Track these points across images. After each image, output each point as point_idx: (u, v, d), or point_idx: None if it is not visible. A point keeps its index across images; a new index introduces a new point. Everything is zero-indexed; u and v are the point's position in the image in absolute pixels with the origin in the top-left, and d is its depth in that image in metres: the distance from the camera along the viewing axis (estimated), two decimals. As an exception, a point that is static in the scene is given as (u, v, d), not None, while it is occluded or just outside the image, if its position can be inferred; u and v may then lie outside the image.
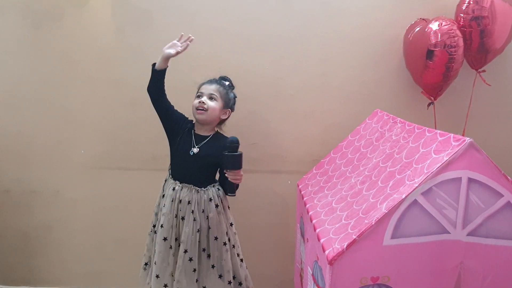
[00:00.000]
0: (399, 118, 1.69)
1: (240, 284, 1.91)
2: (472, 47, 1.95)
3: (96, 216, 2.33)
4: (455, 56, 1.87)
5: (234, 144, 1.70)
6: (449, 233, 1.30)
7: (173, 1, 2.13)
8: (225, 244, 1.85)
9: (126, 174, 2.28)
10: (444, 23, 1.88)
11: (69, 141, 2.26)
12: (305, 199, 1.78)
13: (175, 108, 1.90)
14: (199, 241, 1.81)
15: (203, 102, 1.83)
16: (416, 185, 1.25)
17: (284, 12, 2.14)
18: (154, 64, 1.81)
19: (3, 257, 2.38)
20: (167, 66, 1.81)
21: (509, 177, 1.29)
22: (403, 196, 1.25)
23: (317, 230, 1.45)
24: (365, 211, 1.34)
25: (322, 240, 1.37)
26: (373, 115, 1.91)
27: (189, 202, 1.80)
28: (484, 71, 2.05)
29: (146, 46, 2.16)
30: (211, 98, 1.85)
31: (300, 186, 1.94)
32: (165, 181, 1.90)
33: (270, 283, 2.24)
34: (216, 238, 1.83)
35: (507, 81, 2.17)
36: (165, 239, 1.81)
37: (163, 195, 1.87)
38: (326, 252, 1.30)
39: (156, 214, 1.91)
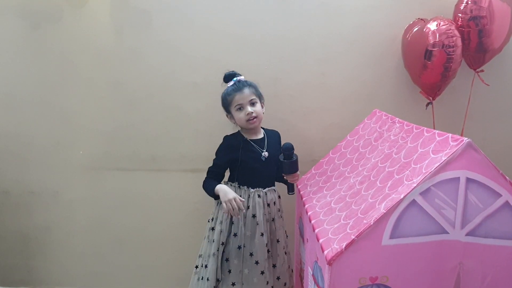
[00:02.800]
0: (397, 118, 1.69)
1: (285, 284, 1.96)
2: (470, 47, 1.95)
3: (95, 217, 2.33)
4: (453, 56, 1.87)
5: (290, 150, 1.76)
6: (447, 233, 1.30)
7: (172, 2, 2.13)
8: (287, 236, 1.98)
9: (125, 175, 2.28)
10: (442, 23, 1.88)
11: (68, 142, 2.25)
12: (304, 199, 1.78)
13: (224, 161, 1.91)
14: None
15: (252, 112, 1.82)
16: (415, 185, 1.25)
17: (283, 12, 2.14)
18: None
19: (2, 258, 2.38)
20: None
21: (507, 177, 1.29)
22: (402, 196, 1.25)
23: (316, 230, 1.45)
24: (364, 211, 1.34)
25: (321, 240, 1.38)
26: (371, 115, 1.91)
27: (274, 203, 1.90)
28: (482, 71, 2.06)
29: (145, 47, 2.16)
30: (252, 104, 1.84)
31: (299, 186, 1.95)
32: (218, 203, 1.89)
33: (269, 283, 2.24)
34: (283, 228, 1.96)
35: (506, 81, 2.17)
36: (266, 245, 1.83)
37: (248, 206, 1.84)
38: (325, 252, 1.30)
39: (222, 231, 1.84)
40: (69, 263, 2.38)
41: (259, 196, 1.84)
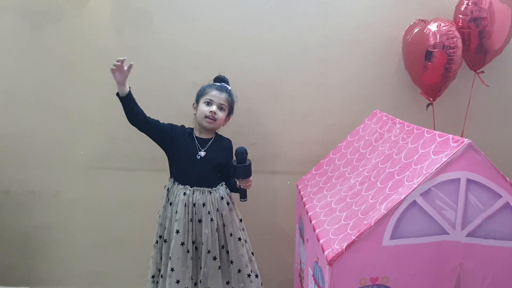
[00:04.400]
0: (398, 119, 1.69)
1: (257, 276, 1.97)
2: (471, 48, 1.95)
3: (95, 216, 2.33)
4: (453, 57, 1.88)
5: (243, 155, 1.74)
6: (448, 234, 1.30)
7: (173, 2, 2.13)
8: (239, 239, 1.91)
9: (125, 175, 2.28)
10: (442, 24, 1.88)
11: (69, 142, 2.26)
12: (304, 199, 1.78)
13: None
14: (218, 240, 1.86)
15: (214, 113, 1.85)
16: (415, 186, 1.25)
17: (283, 13, 2.14)
18: (117, 94, 1.81)
19: (2, 258, 2.38)
20: (128, 89, 1.80)
21: (507, 178, 1.29)
22: (402, 197, 1.25)
23: (317, 231, 1.46)
24: (364, 211, 1.34)
25: (321, 241, 1.38)
26: (372, 115, 1.91)
27: (203, 204, 1.84)
28: (482, 72, 2.06)
29: (145, 46, 2.16)
30: (220, 108, 1.87)
31: (299, 187, 1.95)
32: (168, 189, 1.91)
33: (269, 283, 2.24)
34: (231, 234, 1.89)
35: (506, 82, 2.18)
36: (182, 244, 1.82)
37: (170, 203, 1.87)
38: (326, 252, 1.30)
39: (161, 224, 1.92)
40: (69, 263, 2.38)
41: (184, 194, 1.83)
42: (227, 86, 1.93)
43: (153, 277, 1.95)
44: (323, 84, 2.19)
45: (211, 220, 1.84)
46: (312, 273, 1.54)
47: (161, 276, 1.88)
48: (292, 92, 2.20)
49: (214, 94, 1.87)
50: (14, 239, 2.36)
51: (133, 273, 2.38)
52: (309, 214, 1.62)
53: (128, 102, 1.82)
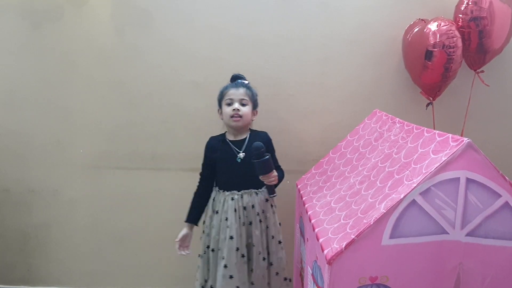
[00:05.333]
0: (398, 118, 1.69)
1: (290, 280, 1.97)
2: (471, 48, 1.95)
3: (95, 216, 2.33)
4: (453, 56, 1.88)
5: (259, 149, 1.70)
6: (447, 233, 1.30)
7: (173, 1, 2.13)
8: (280, 242, 1.91)
9: (125, 174, 2.28)
10: (443, 23, 1.88)
11: (68, 141, 2.26)
12: (304, 198, 1.78)
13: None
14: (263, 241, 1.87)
15: (238, 109, 1.82)
16: (415, 185, 1.25)
17: (283, 12, 2.14)
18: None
19: (2, 257, 2.38)
20: (192, 227, 1.93)
21: (507, 178, 1.29)
22: (402, 196, 1.25)
23: (316, 230, 1.46)
24: (364, 211, 1.34)
25: (321, 240, 1.38)
26: (372, 115, 1.91)
27: (253, 206, 1.84)
28: (482, 71, 2.06)
29: (145, 46, 2.16)
30: (242, 104, 1.85)
31: (299, 186, 1.95)
32: (213, 199, 1.90)
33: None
34: (273, 237, 1.89)
35: (506, 82, 2.18)
36: (237, 249, 1.81)
37: (217, 211, 1.86)
38: (325, 251, 1.30)
39: (208, 235, 1.89)
40: (68, 262, 2.38)
41: (232, 199, 1.83)
42: (244, 81, 1.91)
43: (202, 287, 1.92)
44: (323, 84, 2.19)
45: (260, 221, 1.84)
46: (311, 272, 1.54)
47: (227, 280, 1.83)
48: (292, 91, 2.20)
49: (232, 93, 1.85)
50: (13, 238, 2.36)
51: (133, 272, 2.38)
52: (309, 213, 1.62)
53: (199, 216, 1.94)
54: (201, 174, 1.94)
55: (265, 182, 1.77)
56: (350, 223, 1.34)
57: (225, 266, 1.79)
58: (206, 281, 1.90)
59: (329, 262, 1.26)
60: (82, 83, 2.21)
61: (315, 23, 2.15)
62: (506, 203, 1.30)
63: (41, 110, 2.23)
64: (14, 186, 2.31)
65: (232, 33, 2.15)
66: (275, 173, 1.78)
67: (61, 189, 2.31)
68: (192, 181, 1.95)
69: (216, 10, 2.14)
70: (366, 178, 1.53)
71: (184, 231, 1.90)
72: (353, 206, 1.43)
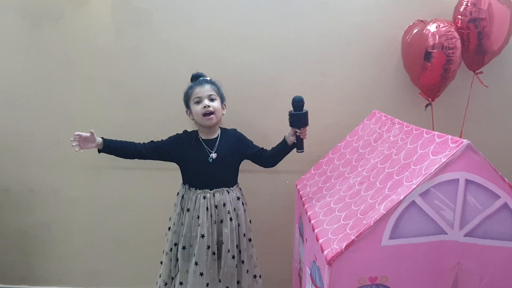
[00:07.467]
0: (397, 119, 1.70)
1: (260, 277, 2.00)
2: (470, 49, 1.96)
3: (95, 215, 2.33)
4: (452, 57, 1.88)
5: (299, 102, 1.73)
6: (446, 234, 1.31)
7: (173, 1, 2.13)
8: (250, 240, 1.93)
9: (124, 173, 2.28)
10: (442, 24, 1.89)
11: (68, 140, 2.23)
12: (303, 199, 1.79)
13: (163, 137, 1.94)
14: (233, 239, 1.88)
15: (208, 106, 1.82)
16: (414, 186, 1.26)
17: (283, 12, 2.14)
18: (98, 151, 1.87)
19: (1, 256, 2.38)
20: (101, 140, 1.84)
21: (506, 179, 1.30)
22: (401, 197, 1.26)
23: (316, 231, 1.46)
24: (364, 211, 1.35)
25: (320, 241, 1.38)
26: (371, 116, 1.92)
27: (224, 205, 1.85)
28: (481, 72, 2.07)
29: (145, 45, 2.16)
30: (211, 99, 1.85)
31: (298, 186, 1.95)
32: (182, 197, 1.90)
33: (268, 283, 2.25)
34: (244, 235, 1.90)
35: (505, 83, 2.18)
36: (208, 247, 1.82)
37: (188, 209, 1.86)
38: (325, 252, 1.31)
39: (175, 232, 1.90)
40: (68, 261, 2.38)
41: (204, 197, 1.83)
42: (206, 77, 1.91)
43: (165, 284, 1.93)
44: (323, 84, 2.19)
45: (230, 219, 1.85)
46: (309, 272, 1.55)
47: (181, 284, 1.85)
48: (291, 91, 2.17)
49: (198, 91, 1.84)
50: (13, 237, 2.36)
51: (132, 271, 2.38)
52: (308, 213, 1.62)
53: (112, 150, 1.85)
54: (153, 141, 1.92)
55: (299, 135, 1.79)
56: (350, 224, 1.34)
57: (196, 264, 1.81)
58: (172, 278, 1.90)
59: (329, 262, 1.27)
60: (82, 83, 2.20)
61: (314, 23, 2.15)
62: (505, 204, 1.31)
63: (41, 109, 2.23)
64: (14, 186, 2.31)
65: (232, 33, 2.15)
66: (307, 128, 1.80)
67: (61, 189, 2.31)
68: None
69: (216, 10, 2.14)
70: (365, 179, 1.54)
71: (95, 137, 1.81)
72: (352, 207, 1.44)
